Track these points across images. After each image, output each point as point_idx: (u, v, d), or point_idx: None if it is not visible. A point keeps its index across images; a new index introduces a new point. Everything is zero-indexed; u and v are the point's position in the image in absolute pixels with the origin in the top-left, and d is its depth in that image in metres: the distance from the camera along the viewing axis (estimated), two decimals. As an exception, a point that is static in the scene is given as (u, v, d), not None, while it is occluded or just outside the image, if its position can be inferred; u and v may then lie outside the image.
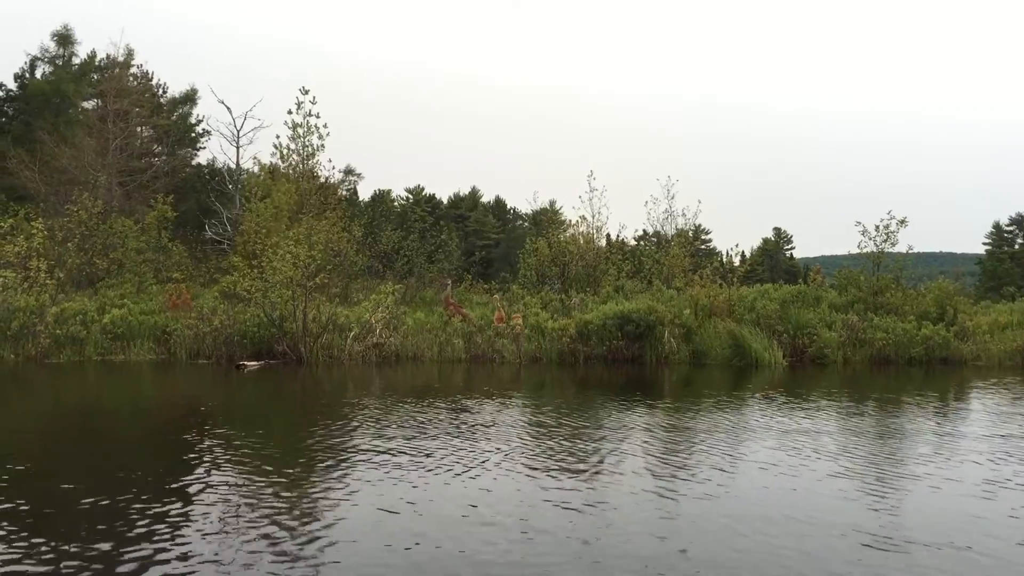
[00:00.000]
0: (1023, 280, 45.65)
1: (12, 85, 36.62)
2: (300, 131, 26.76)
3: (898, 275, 23.16)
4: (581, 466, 7.36)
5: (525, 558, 4.79)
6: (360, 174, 56.42)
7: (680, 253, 27.76)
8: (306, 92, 26.36)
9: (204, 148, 42.97)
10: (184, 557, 4.72)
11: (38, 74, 36.62)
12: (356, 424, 9.54)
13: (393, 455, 7.62)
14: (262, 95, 60.29)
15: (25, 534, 5.07)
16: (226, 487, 6.39)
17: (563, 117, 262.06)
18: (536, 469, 7.19)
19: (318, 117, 26.67)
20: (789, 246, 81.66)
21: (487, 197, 73.29)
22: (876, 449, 8.52)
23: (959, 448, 8.51)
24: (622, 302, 20.49)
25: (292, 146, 27.03)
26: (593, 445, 8.35)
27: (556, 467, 7.28)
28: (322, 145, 27.03)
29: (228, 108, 33.04)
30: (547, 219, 41.18)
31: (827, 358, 19.30)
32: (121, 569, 4.53)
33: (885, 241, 23.22)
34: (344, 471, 7.00)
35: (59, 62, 37.01)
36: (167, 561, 4.65)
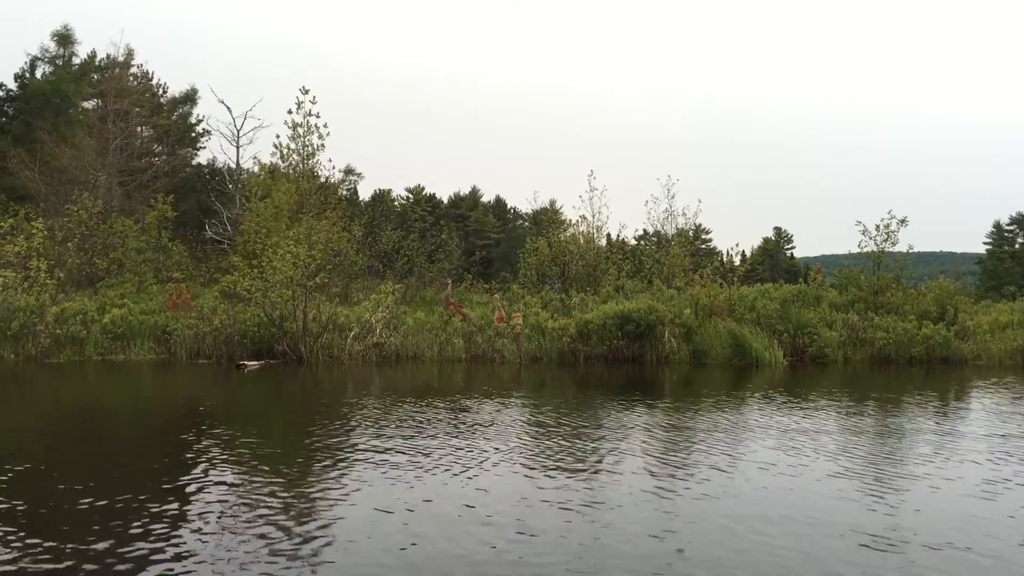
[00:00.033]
0: (1023, 279, 45.63)
1: (12, 85, 36.68)
2: (300, 131, 26.78)
3: (898, 274, 23.13)
4: (580, 466, 7.35)
5: (522, 558, 4.78)
6: (360, 174, 56.44)
7: (680, 253, 27.75)
8: (306, 92, 26.40)
9: (204, 148, 43.08)
10: (182, 557, 4.72)
11: (38, 74, 36.64)
12: (355, 424, 9.53)
13: (392, 455, 7.61)
14: (262, 95, 60.51)
15: (25, 534, 5.07)
16: (225, 487, 6.39)
17: (563, 117, 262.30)
18: (534, 469, 7.18)
19: (318, 117, 26.71)
20: (789, 245, 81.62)
21: (487, 197, 73.36)
22: (876, 449, 8.50)
23: (959, 448, 8.50)
24: (622, 302, 20.47)
25: (292, 146, 27.07)
26: (592, 445, 8.34)
27: (555, 467, 7.27)
28: (322, 145, 27.07)
29: (228, 108, 33.12)
30: (547, 219, 41.14)
31: (827, 357, 19.29)
32: (119, 568, 4.52)
33: (885, 240, 23.22)
34: (342, 471, 7.00)
35: (59, 62, 37.03)
36: (165, 561, 4.65)
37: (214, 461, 7.34)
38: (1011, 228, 60.59)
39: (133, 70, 37.05)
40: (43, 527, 5.25)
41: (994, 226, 61.06)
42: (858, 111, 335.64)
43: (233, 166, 33.01)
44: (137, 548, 4.85)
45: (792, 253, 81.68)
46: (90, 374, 15.54)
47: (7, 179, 30.78)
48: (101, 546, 4.88)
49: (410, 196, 66.71)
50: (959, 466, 7.59)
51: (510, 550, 4.93)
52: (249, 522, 5.42)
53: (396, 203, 61.70)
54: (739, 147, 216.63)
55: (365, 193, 59.79)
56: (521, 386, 14.53)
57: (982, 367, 18.88)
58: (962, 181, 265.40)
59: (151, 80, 38.78)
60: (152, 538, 5.05)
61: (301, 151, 27.09)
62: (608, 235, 31.57)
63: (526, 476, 6.90)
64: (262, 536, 5.11)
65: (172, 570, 4.52)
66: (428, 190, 69.07)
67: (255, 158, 30.86)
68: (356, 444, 8.17)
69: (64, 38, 37.15)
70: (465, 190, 73.08)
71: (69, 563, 4.58)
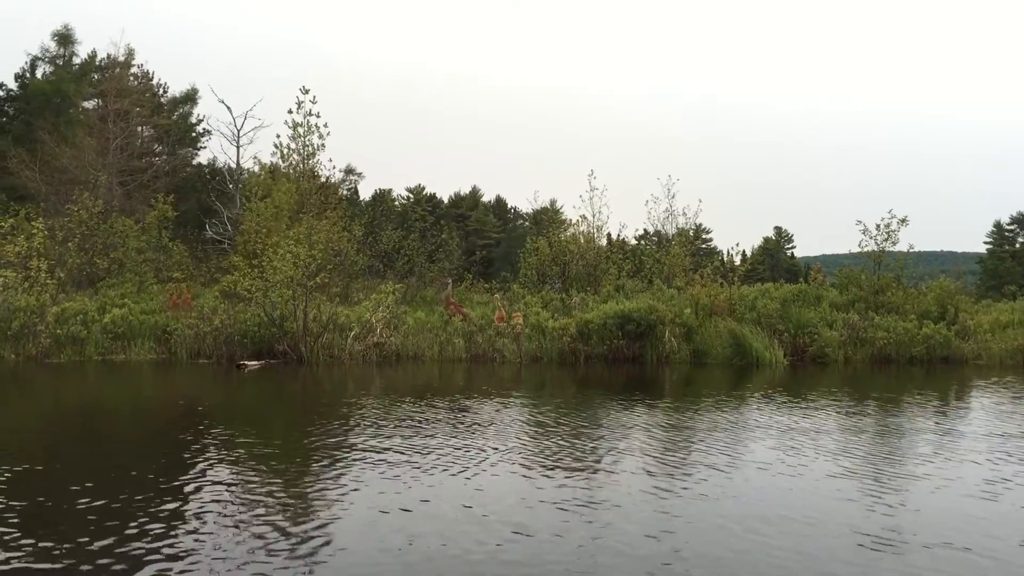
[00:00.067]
0: (1024, 279, 45.59)
1: (13, 85, 36.74)
2: (300, 130, 26.82)
3: (899, 274, 23.12)
4: (578, 465, 7.34)
5: (520, 558, 4.78)
6: (360, 174, 56.37)
7: (681, 252, 27.75)
8: (306, 92, 26.42)
9: (204, 148, 43.13)
10: (179, 556, 4.72)
11: (39, 74, 36.68)
12: (355, 424, 9.53)
13: (391, 455, 7.61)
14: (262, 95, 60.52)
15: (25, 534, 5.07)
16: (224, 487, 6.39)
17: (563, 117, 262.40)
18: (533, 469, 7.17)
19: (318, 117, 26.74)
20: (790, 245, 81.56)
21: (488, 197, 73.29)
22: (876, 449, 8.49)
23: (959, 448, 8.49)
24: (623, 301, 20.46)
25: (292, 145, 27.10)
26: (591, 445, 8.33)
27: (553, 466, 7.26)
28: (322, 144, 27.09)
29: (228, 108, 33.16)
30: (548, 218, 41.11)
31: (828, 357, 19.28)
32: (118, 568, 4.52)
33: (886, 240, 23.21)
34: (341, 471, 6.99)
35: (59, 62, 37.05)
36: (163, 560, 4.65)
37: (213, 461, 7.34)
38: (1011, 228, 60.60)
39: (133, 70, 37.14)
40: (42, 527, 5.25)
41: (994, 225, 61.10)
42: (858, 111, 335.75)
43: (233, 166, 33.07)
44: (135, 548, 4.85)
45: (792, 253, 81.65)
46: (90, 374, 15.54)
47: (7, 179, 30.81)
48: (100, 545, 4.88)
49: (410, 196, 66.71)
50: (959, 466, 7.58)
51: (507, 550, 4.92)
52: (247, 522, 5.42)
53: (396, 203, 61.71)
54: (739, 147, 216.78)
55: (365, 193, 59.81)
56: (521, 386, 14.52)
57: (983, 367, 18.87)
58: (962, 181, 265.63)
59: (151, 80, 38.83)
60: (150, 538, 5.05)
61: (301, 151, 27.14)
62: (608, 235, 31.62)
63: (524, 476, 6.90)
64: (259, 536, 5.11)
65: (170, 569, 4.52)
66: (428, 190, 69.14)
67: (255, 158, 30.92)
68: (355, 444, 8.17)
69: (64, 38, 37.19)
70: (465, 190, 73.16)
71: (68, 563, 4.58)
